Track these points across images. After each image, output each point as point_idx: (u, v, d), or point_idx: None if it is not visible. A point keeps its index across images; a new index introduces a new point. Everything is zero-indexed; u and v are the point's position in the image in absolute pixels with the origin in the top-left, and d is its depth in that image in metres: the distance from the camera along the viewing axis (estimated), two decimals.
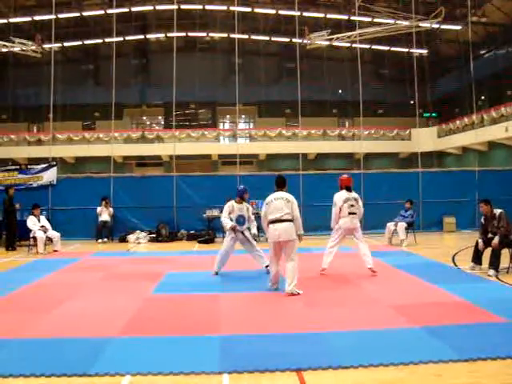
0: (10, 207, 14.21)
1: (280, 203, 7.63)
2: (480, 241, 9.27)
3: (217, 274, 9.25)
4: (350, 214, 9.03)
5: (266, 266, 9.28)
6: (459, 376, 4.35)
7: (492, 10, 28.74)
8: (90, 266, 10.70)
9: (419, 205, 16.37)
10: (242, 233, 9.22)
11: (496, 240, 8.81)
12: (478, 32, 30.37)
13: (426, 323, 5.77)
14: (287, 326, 5.86)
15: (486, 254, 9.13)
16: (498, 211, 9.20)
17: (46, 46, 24.58)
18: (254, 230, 9.47)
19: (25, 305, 7.07)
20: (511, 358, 4.65)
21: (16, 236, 14.15)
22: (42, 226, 13.32)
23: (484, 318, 6.03)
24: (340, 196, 9.17)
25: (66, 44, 31.83)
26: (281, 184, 7.95)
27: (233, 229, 9.04)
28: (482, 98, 32.06)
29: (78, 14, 29.73)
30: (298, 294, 7.39)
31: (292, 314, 6.49)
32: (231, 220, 9.13)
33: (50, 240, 13.36)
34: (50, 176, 16.33)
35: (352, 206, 9.07)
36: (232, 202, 9.29)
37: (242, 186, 9.54)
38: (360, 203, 9.27)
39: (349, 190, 9.28)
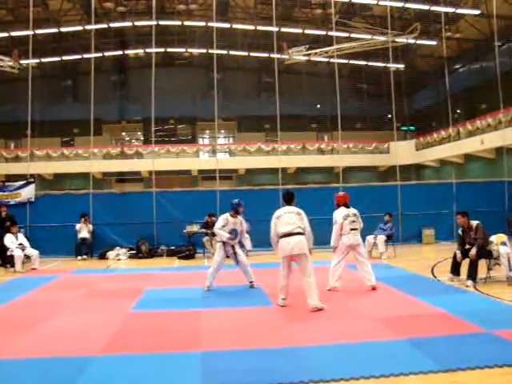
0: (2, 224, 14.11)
1: (291, 217, 7.63)
2: (458, 252, 9.38)
3: (209, 288, 9.13)
4: (351, 230, 8.87)
5: (251, 282, 9.27)
6: None
7: (465, 27, 29.39)
8: (69, 283, 10.57)
9: (398, 217, 16.52)
10: (233, 247, 9.17)
11: (473, 251, 8.93)
12: (452, 47, 31.00)
13: (407, 335, 5.82)
14: (269, 340, 5.86)
15: (464, 265, 9.24)
16: (474, 223, 9.33)
17: (24, 61, 24.39)
18: (249, 246, 9.42)
19: (3, 324, 6.95)
20: (490, 367, 4.72)
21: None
22: (20, 244, 13.11)
23: (463, 328, 6.10)
24: (340, 213, 9.00)
25: (43, 60, 31.63)
26: (289, 199, 7.98)
27: (231, 239, 8.97)
28: (458, 111, 32.63)
29: (56, 30, 29.58)
30: (323, 308, 7.30)
31: (274, 328, 6.49)
32: None
33: (28, 258, 13.17)
34: (28, 193, 16.13)
35: (353, 221, 8.92)
36: (227, 215, 9.22)
37: (236, 200, 9.34)
38: (360, 218, 9.14)
39: (346, 206, 9.15)
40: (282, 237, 7.56)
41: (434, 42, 29.35)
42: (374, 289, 8.72)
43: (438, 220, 16.99)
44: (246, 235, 9.44)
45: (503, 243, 9.22)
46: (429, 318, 6.67)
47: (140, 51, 33.42)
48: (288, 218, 7.62)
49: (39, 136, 29.31)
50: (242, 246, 9.49)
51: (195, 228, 15.47)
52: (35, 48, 19.89)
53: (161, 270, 12.65)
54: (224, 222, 9.12)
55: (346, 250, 9.04)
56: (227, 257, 9.28)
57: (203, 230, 15.18)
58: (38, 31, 27.00)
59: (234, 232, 9.05)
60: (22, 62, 24.59)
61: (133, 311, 7.60)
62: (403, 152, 32.44)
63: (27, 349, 5.73)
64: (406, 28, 24.46)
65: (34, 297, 9.11)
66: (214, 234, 14.64)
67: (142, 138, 39.03)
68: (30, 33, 19.59)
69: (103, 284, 10.38)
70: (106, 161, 33.62)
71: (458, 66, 33.01)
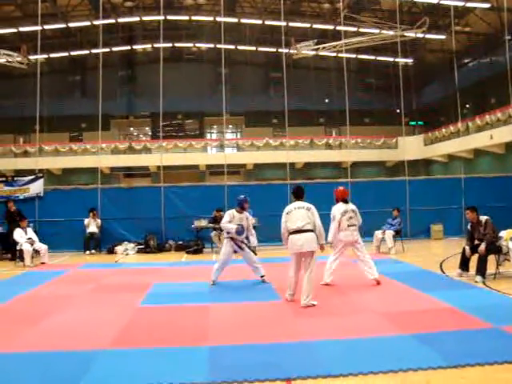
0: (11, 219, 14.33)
1: (301, 212, 7.53)
2: (467, 248, 9.34)
3: (214, 283, 9.16)
4: (349, 226, 8.84)
5: (262, 277, 9.25)
6: (448, 382, 4.38)
7: (475, 20, 29.12)
8: (78, 277, 10.62)
9: (407, 213, 16.45)
10: (240, 242, 9.15)
11: (482, 246, 8.89)
12: (461, 41, 30.78)
13: (415, 331, 5.80)
14: (277, 335, 5.85)
15: (473, 261, 9.20)
16: (483, 218, 9.28)
17: (32, 57, 24.46)
18: (255, 242, 9.39)
19: (12, 318, 6.99)
20: (499, 363, 4.69)
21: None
22: (29, 239, 13.18)
23: (472, 324, 6.08)
24: (338, 209, 8.96)
25: (52, 55, 31.75)
26: (299, 195, 7.85)
27: (237, 231, 8.94)
28: (467, 106, 32.43)
29: (64, 25, 29.65)
30: (314, 305, 7.25)
31: (281, 323, 6.48)
32: None
33: (37, 252, 13.23)
34: (36, 188, 16.20)
35: (351, 218, 8.88)
36: (233, 211, 9.24)
37: (242, 196, 9.36)
38: (358, 214, 9.07)
39: (345, 201, 9.10)
40: (292, 233, 7.47)
41: (442, 36, 29.20)
42: (378, 283, 8.70)
43: (447, 215, 16.92)
44: (253, 231, 9.43)
45: None
46: (437, 314, 6.64)
47: (148, 46, 33.48)
48: (298, 214, 7.52)
49: (48, 131, 29.48)
50: (248, 241, 9.47)
51: (203, 223, 15.48)
52: (43, 43, 19.93)
53: (169, 264, 12.70)
54: (230, 218, 9.12)
55: (344, 247, 9.03)
56: (235, 252, 9.28)
57: (211, 225, 15.19)
58: (46, 27, 27.12)
59: (240, 227, 9.04)
60: (30, 57, 24.67)
61: (141, 306, 7.62)
62: (411, 147, 32.28)
63: (35, 343, 5.75)
64: (415, 22, 24.32)
65: (42, 291, 9.15)
66: (222, 229, 14.69)
67: (149, 133, 39.17)
68: (39, 28, 19.65)
69: (111, 278, 10.42)
70: (114, 156, 33.70)
71: (467, 61, 32.74)
